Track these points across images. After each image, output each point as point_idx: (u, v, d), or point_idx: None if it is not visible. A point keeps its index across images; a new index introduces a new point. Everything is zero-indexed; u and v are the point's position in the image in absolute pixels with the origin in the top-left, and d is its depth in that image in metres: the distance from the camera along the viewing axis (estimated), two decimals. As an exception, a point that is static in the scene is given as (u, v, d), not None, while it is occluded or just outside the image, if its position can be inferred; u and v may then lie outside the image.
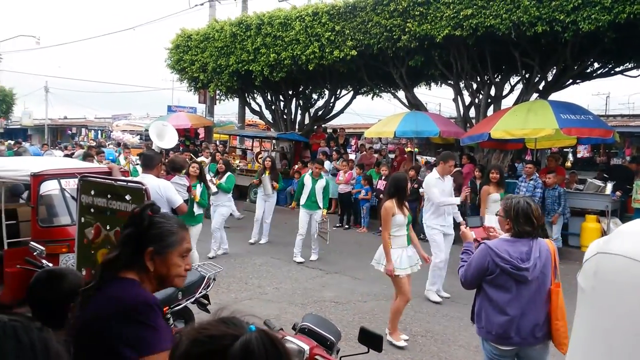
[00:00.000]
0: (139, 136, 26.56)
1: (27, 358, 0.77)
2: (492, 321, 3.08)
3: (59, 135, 39.03)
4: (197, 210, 6.94)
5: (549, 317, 3.03)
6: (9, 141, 22.43)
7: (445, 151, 8.07)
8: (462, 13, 9.52)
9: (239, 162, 15.53)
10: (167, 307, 3.76)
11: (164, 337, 1.59)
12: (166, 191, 5.28)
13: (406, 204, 5.15)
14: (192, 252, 7.01)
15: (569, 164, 16.66)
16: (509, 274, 3.00)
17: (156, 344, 1.55)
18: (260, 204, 9.44)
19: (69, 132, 38.16)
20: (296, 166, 13.67)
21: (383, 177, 10.89)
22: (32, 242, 4.23)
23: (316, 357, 2.27)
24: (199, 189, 7.05)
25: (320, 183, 8.34)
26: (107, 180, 3.81)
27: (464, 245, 3.43)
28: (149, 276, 1.70)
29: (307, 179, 8.40)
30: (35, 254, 4.05)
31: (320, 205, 8.29)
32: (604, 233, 8.49)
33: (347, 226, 11.60)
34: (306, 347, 2.27)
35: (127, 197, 3.48)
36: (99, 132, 35.03)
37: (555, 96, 11.09)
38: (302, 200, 8.37)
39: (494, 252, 3.03)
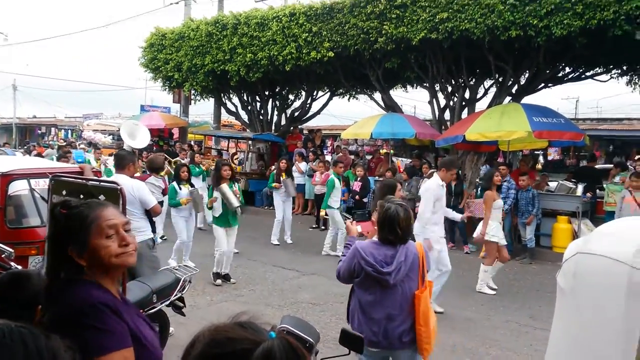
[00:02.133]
0: (111, 136, 26.03)
1: None
2: (361, 323, 3.08)
3: (27, 134, 37.97)
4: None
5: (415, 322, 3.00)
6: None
7: (448, 157, 7.87)
8: (438, 16, 9.61)
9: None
10: (142, 311, 3.67)
11: (116, 337, 1.53)
12: (139, 192, 5.18)
13: None
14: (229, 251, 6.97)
15: (539, 166, 17.00)
16: (373, 278, 2.99)
17: (107, 345, 1.50)
18: (280, 205, 9.89)
19: (39, 131, 37.18)
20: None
21: (358, 179, 10.91)
22: (-1, 244, 4.09)
23: (296, 359, 2.25)
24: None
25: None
26: (79, 180, 3.71)
27: (347, 239, 3.44)
28: (95, 272, 1.60)
29: (336, 181, 8.81)
30: (3, 256, 3.91)
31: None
32: (574, 234, 8.68)
33: (323, 227, 11.57)
34: (286, 350, 2.25)
35: (101, 197, 3.39)
36: (69, 131, 34.17)
37: (527, 99, 11.30)
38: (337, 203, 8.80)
39: (360, 254, 3.01)
